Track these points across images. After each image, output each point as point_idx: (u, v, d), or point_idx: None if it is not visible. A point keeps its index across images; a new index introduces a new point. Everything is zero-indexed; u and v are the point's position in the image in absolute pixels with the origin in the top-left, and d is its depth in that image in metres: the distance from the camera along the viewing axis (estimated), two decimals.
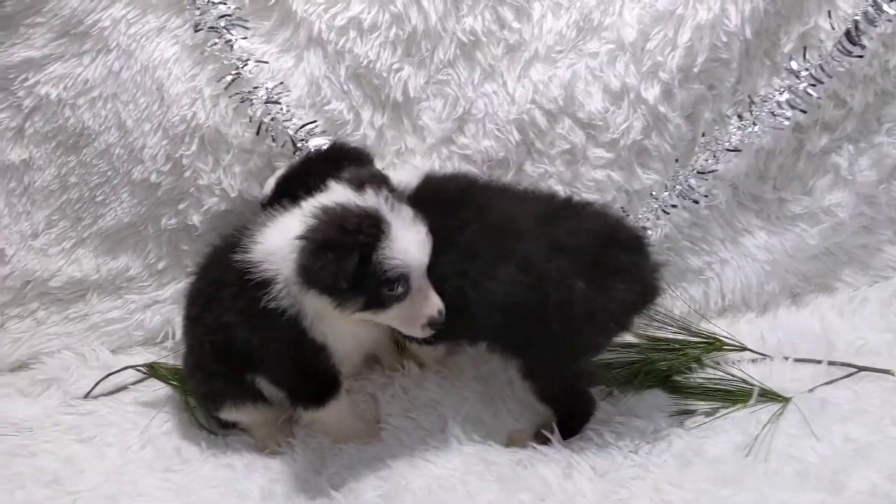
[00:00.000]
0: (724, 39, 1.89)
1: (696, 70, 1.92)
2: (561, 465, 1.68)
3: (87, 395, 2.07)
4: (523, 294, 1.60)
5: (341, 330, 1.67)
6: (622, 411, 1.84)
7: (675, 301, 2.08)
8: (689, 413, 1.83)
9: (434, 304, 1.58)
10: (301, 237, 1.52)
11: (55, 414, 2.02)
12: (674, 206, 2.00)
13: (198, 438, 1.92)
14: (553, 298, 1.59)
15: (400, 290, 1.54)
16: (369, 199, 1.55)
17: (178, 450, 1.90)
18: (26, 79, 1.99)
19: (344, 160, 1.76)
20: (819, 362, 1.91)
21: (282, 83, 1.96)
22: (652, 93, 1.93)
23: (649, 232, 2.01)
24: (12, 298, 2.15)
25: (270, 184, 1.84)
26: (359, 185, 1.58)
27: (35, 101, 2.00)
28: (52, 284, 2.14)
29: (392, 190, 1.59)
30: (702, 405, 1.84)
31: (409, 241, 1.53)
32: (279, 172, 1.85)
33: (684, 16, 1.89)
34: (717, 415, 1.80)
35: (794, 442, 1.67)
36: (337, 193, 1.60)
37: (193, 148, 2.00)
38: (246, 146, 2.00)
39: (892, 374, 1.83)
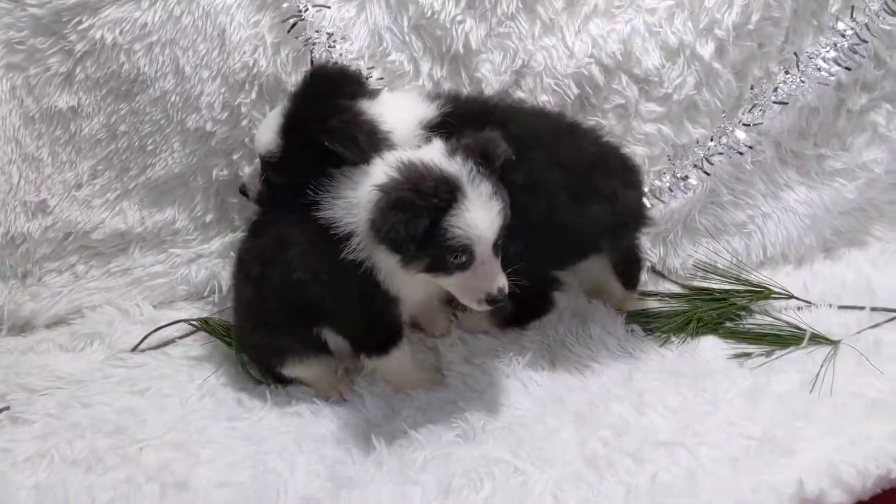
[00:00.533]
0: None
1: (749, 28, 2.00)
2: (634, 404, 1.73)
3: (134, 349, 2.03)
4: (521, 198, 1.67)
5: (411, 284, 1.69)
6: (682, 353, 1.91)
7: (719, 253, 2.15)
8: (747, 356, 1.89)
9: (496, 280, 1.59)
10: (378, 189, 1.54)
11: (104, 367, 1.98)
12: (720, 153, 2.06)
13: (257, 390, 1.91)
14: (541, 206, 1.71)
15: (463, 259, 1.57)
16: (453, 165, 1.57)
17: (239, 401, 1.89)
18: (80, 22, 1.92)
19: (343, 85, 1.77)
20: (862, 308, 2.00)
21: (343, 36, 1.96)
22: (707, 49, 2.00)
23: (693, 183, 2.08)
24: (52, 251, 2.09)
25: (269, 137, 1.76)
26: (453, 150, 1.59)
27: (88, 45, 1.94)
28: (94, 237, 2.09)
29: (483, 162, 1.59)
30: (756, 349, 1.91)
31: (479, 216, 1.54)
32: (276, 122, 1.76)
33: None
34: (774, 357, 1.87)
35: (854, 379, 1.76)
36: (428, 152, 1.61)
37: (252, 96, 1.99)
38: None
39: None
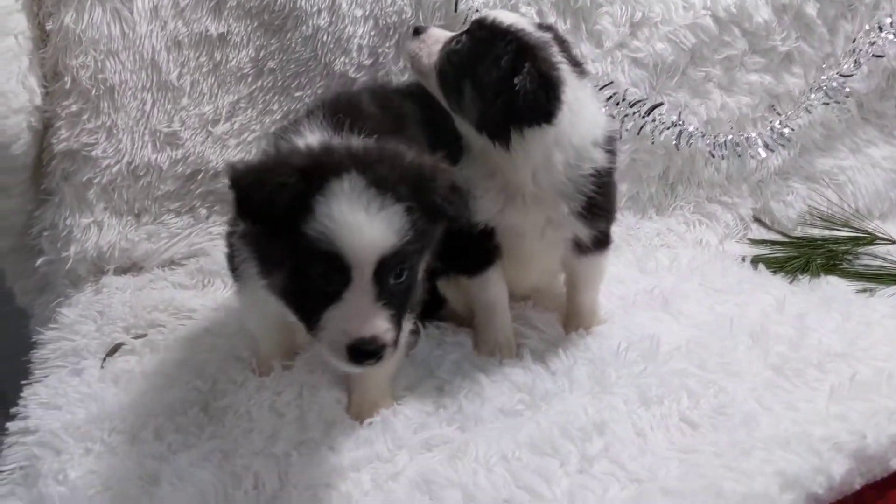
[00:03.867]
0: None
1: None
2: (796, 326, 1.74)
3: None
4: None
5: None
6: (813, 289, 1.98)
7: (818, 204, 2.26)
8: (870, 291, 1.97)
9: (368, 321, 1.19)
10: None
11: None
12: (825, 103, 2.18)
13: None
14: None
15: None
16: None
17: None
18: None
19: None
20: None
21: None
22: (812, 6, 2.14)
23: (788, 132, 2.18)
24: (175, 190, 1.96)
25: None
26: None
27: None
28: (225, 180, 1.96)
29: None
30: (875, 286, 1.99)
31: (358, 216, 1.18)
32: None
33: None
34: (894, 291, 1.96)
35: None
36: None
37: (392, 42, 1.96)
38: None
39: None
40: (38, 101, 1.84)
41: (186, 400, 1.54)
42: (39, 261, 1.92)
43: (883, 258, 2.10)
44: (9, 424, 1.54)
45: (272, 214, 1.17)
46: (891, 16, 2.20)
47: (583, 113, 1.56)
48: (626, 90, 2.06)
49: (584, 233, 1.65)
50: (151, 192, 1.94)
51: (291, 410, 1.52)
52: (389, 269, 1.18)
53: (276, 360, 1.57)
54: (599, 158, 1.59)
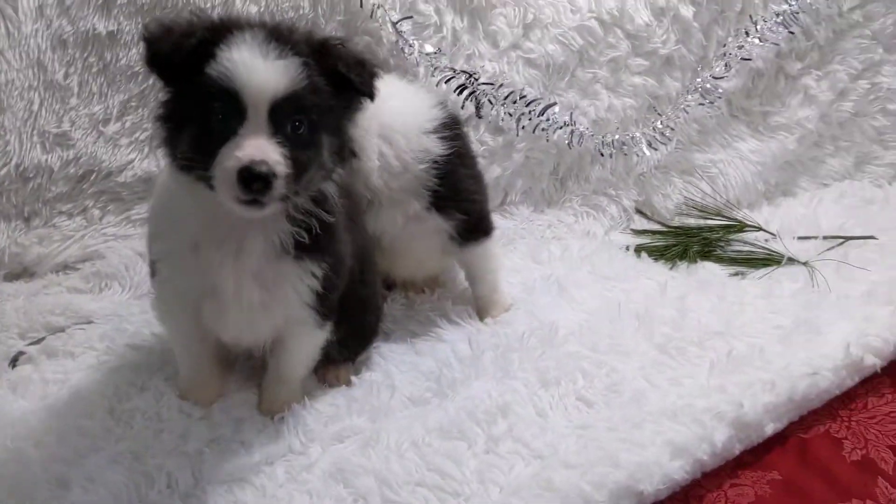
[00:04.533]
0: None
1: None
2: (677, 308, 1.90)
3: None
4: None
5: None
6: (690, 273, 2.14)
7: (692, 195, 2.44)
8: (742, 274, 2.15)
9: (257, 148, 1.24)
10: None
11: (132, 305, 1.84)
12: (701, 104, 2.36)
13: None
14: None
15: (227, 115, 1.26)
16: None
17: None
18: None
19: None
20: (815, 238, 2.33)
21: None
22: (689, 10, 2.30)
23: (669, 131, 2.35)
24: (67, 191, 1.90)
25: None
26: None
27: None
28: (118, 179, 1.93)
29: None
30: (746, 270, 2.17)
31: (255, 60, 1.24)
32: None
33: None
34: (763, 274, 2.14)
35: (839, 284, 2.05)
36: None
37: None
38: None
39: (876, 238, 2.30)
40: None
41: (92, 403, 1.52)
42: None
43: (752, 244, 2.28)
44: None
45: (178, 59, 1.23)
46: (756, 23, 2.38)
47: (405, 104, 1.64)
48: (522, 89, 2.15)
49: (447, 225, 1.73)
50: (42, 194, 1.89)
51: (199, 411, 1.54)
52: (285, 113, 1.24)
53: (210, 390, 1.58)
54: (433, 146, 1.67)
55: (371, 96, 1.36)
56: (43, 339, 1.72)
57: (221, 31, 1.26)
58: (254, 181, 1.19)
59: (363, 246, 1.61)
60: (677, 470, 1.42)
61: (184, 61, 1.23)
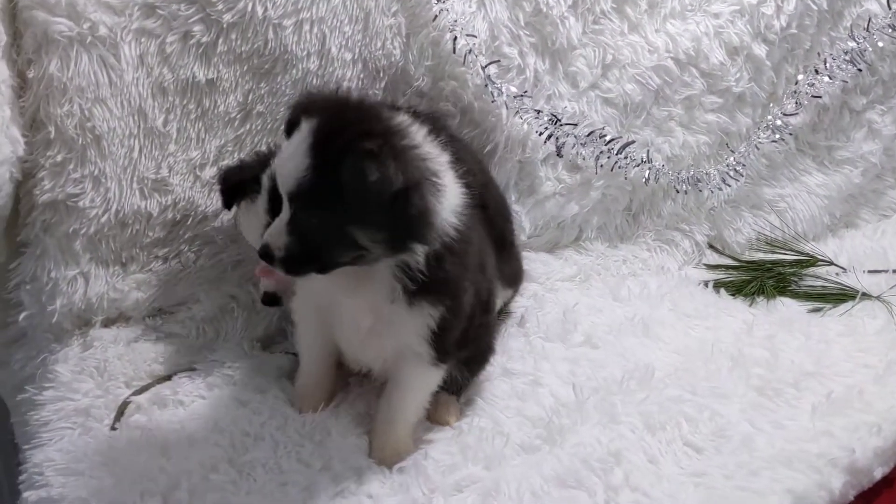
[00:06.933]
0: (814, 8, 2.38)
1: (791, 32, 2.37)
2: (767, 347, 1.92)
3: None
4: None
5: None
6: (770, 310, 2.15)
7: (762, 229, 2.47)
8: (819, 310, 2.17)
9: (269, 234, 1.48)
10: None
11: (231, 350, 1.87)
12: (773, 141, 2.40)
13: None
14: None
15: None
16: None
17: None
18: None
19: None
20: (885, 271, 2.36)
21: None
22: (761, 49, 2.34)
23: (742, 168, 2.38)
24: (164, 237, 1.92)
25: None
26: None
27: (237, 16, 1.84)
28: (214, 224, 1.95)
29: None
30: (822, 305, 2.19)
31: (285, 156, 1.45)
32: None
33: None
34: (840, 310, 2.17)
35: None
36: None
37: (381, 85, 2.01)
38: (424, 89, 2.06)
39: None
40: (20, 151, 1.77)
41: (213, 456, 1.53)
42: (22, 315, 1.84)
43: (824, 278, 2.30)
44: (25, 495, 1.49)
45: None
46: (825, 61, 2.42)
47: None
48: (602, 128, 2.19)
49: None
50: (139, 239, 1.90)
51: (316, 460, 1.56)
52: (301, 207, 1.39)
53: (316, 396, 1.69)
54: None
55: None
56: (147, 387, 1.73)
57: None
58: (260, 256, 1.43)
59: (488, 289, 1.69)
60: None
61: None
